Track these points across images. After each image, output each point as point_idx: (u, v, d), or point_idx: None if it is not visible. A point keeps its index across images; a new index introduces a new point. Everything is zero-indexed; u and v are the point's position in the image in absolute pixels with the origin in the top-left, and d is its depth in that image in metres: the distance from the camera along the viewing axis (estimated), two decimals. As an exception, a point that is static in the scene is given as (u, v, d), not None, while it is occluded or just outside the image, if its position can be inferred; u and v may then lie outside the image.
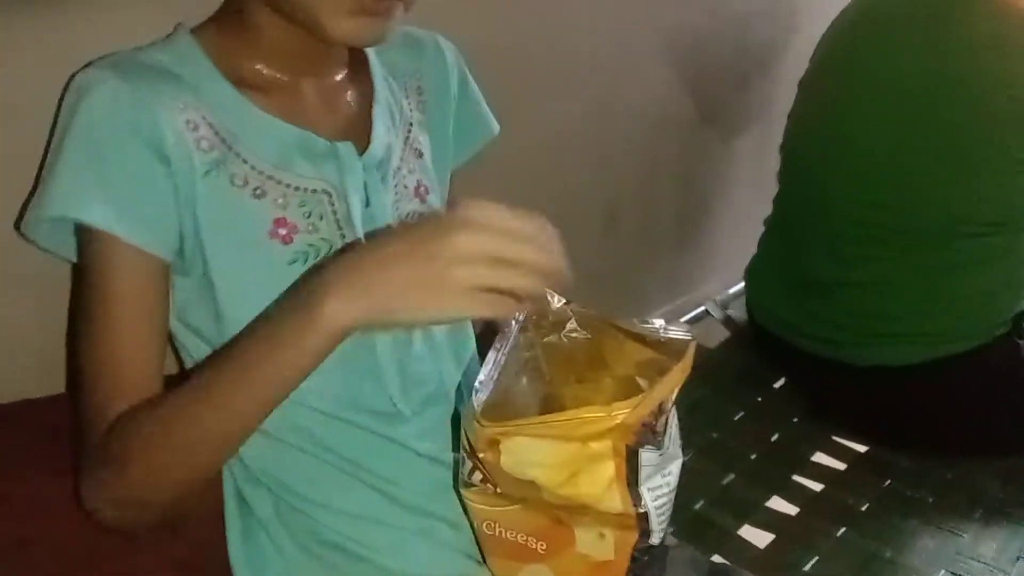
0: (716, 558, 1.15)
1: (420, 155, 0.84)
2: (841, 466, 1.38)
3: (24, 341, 0.83)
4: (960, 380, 1.34)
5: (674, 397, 0.64)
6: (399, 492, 0.74)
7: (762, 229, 1.58)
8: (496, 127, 0.95)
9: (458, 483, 0.67)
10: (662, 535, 0.65)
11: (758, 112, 1.88)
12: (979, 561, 1.17)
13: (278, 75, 0.74)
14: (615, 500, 0.62)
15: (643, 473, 0.62)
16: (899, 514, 1.27)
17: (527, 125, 1.30)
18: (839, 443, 1.42)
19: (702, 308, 1.84)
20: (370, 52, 0.81)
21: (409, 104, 0.84)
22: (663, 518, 0.65)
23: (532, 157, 1.38)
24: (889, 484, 1.34)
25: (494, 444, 0.61)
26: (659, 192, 1.77)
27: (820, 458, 1.40)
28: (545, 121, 1.41)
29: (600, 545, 0.65)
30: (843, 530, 1.24)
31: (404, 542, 0.74)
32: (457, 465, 0.67)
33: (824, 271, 1.41)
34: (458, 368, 0.81)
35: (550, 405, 0.63)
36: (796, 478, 1.35)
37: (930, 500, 1.30)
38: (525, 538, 0.66)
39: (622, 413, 0.60)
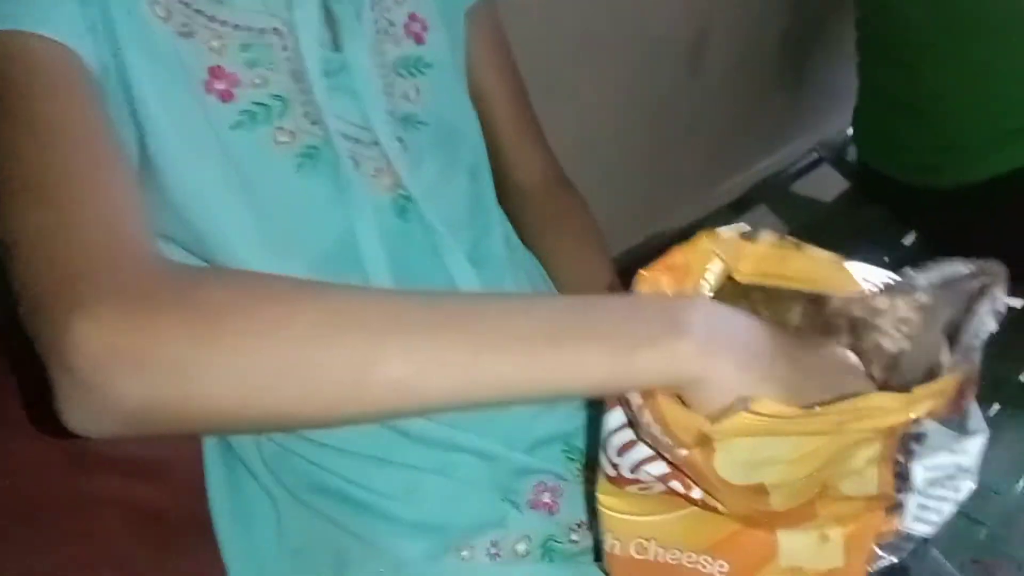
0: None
1: None
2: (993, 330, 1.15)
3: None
4: None
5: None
6: (410, 423, 0.57)
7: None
8: None
9: (595, 484, 0.48)
10: (931, 529, 0.45)
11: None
12: None
13: None
14: (868, 482, 0.43)
15: (921, 450, 0.42)
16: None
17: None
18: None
19: (812, 155, 1.59)
20: None
21: None
22: (937, 507, 0.44)
23: None
24: None
25: (704, 441, 0.41)
26: (757, 22, 1.50)
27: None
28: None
29: (820, 552, 0.45)
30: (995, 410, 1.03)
31: (417, 484, 0.57)
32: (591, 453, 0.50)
33: (919, 87, 1.21)
34: (475, 264, 0.61)
35: None
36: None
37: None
38: (694, 558, 0.47)
39: (924, 405, 0.40)
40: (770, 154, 1.60)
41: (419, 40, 0.63)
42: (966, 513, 0.90)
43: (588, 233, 0.75)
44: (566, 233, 0.75)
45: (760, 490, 0.42)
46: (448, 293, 0.52)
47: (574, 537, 0.59)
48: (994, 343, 1.20)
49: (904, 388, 0.41)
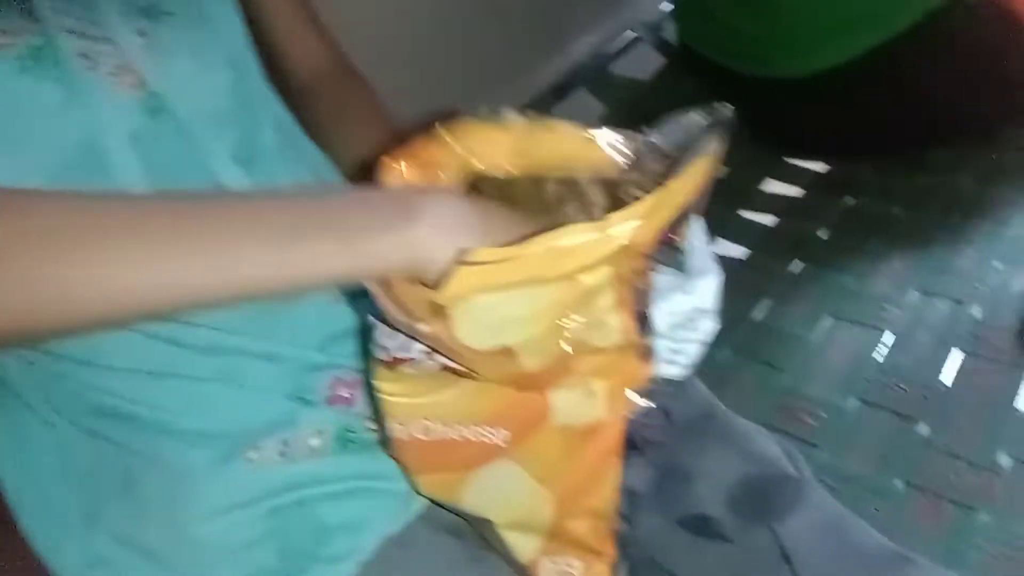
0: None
1: None
2: (797, 192, 1.21)
3: None
4: (915, 61, 1.12)
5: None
6: (185, 332, 0.55)
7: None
8: None
9: (369, 372, 0.48)
10: (683, 371, 0.48)
11: None
12: (955, 275, 1.02)
13: None
14: (613, 331, 0.44)
15: (655, 295, 0.45)
16: (863, 236, 1.11)
17: None
18: (793, 166, 1.24)
19: (632, 34, 1.59)
20: None
21: None
22: (683, 348, 0.47)
23: None
24: (852, 204, 1.17)
25: (439, 312, 0.41)
26: None
27: (773, 187, 1.23)
28: None
29: (586, 405, 0.47)
30: (800, 265, 1.09)
31: (200, 394, 0.55)
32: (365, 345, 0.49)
33: None
34: (242, 162, 0.58)
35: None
36: (744, 214, 1.18)
37: (897, 213, 1.13)
38: (477, 431, 0.48)
39: (624, 228, 0.40)
40: (586, 35, 1.59)
41: None
42: (768, 361, 0.96)
43: (376, 121, 0.73)
44: (352, 122, 0.72)
45: (507, 352, 0.43)
46: (199, 194, 0.50)
47: (372, 427, 0.59)
48: (797, 204, 1.26)
49: None
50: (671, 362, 0.47)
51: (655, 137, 0.47)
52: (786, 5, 1.16)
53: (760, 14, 1.19)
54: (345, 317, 0.60)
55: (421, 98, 1.28)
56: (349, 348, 0.60)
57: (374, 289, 0.43)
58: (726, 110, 0.45)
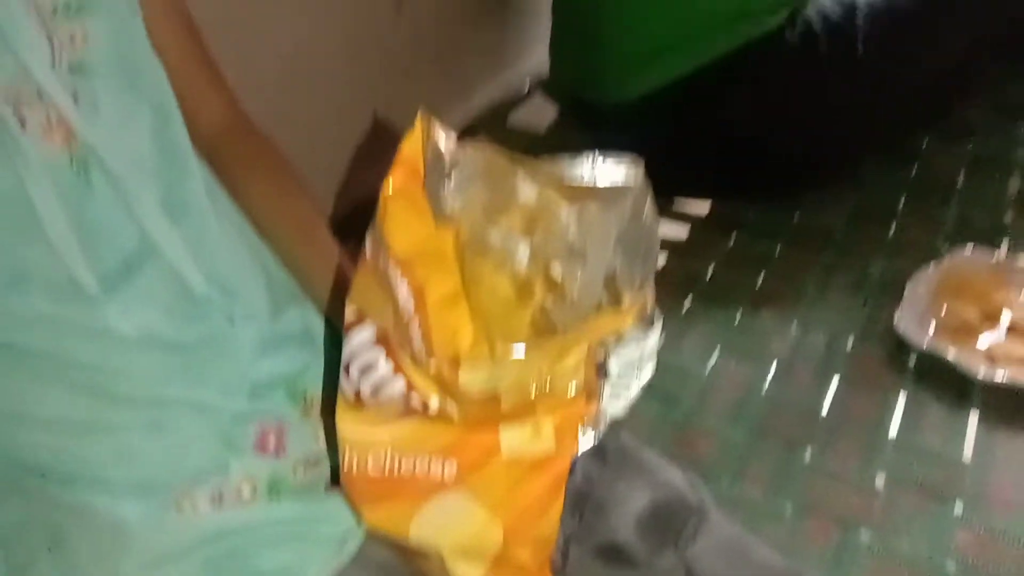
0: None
1: None
2: (685, 232, 1.29)
3: None
4: (736, 95, 1.21)
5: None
6: (112, 384, 0.56)
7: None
8: None
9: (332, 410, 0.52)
10: (620, 410, 0.52)
11: None
12: (830, 309, 1.12)
13: None
14: (579, 379, 0.50)
15: (617, 347, 0.50)
16: (748, 273, 1.19)
17: None
18: (681, 208, 1.32)
19: (529, 85, 1.67)
20: None
21: None
22: (624, 394, 0.52)
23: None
24: (734, 243, 1.26)
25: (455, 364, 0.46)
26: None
27: (664, 228, 1.31)
28: None
29: (535, 441, 0.51)
30: (691, 302, 1.16)
31: (129, 445, 0.56)
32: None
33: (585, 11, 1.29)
34: (170, 214, 0.60)
35: None
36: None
37: (779, 250, 1.23)
38: (431, 463, 0.51)
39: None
40: (485, 86, 1.65)
41: None
42: (665, 395, 1.02)
43: (280, 172, 0.74)
44: (258, 175, 0.73)
45: (495, 399, 0.46)
46: None
47: (302, 473, 0.61)
48: (684, 244, 1.34)
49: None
50: (612, 401, 0.51)
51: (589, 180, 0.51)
52: (607, 33, 1.26)
53: (590, 45, 1.29)
54: (272, 366, 0.62)
55: (330, 147, 1.30)
56: (278, 396, 0.62)
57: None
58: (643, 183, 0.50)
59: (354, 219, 0.54)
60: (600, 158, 0.52)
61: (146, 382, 0.57)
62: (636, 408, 1.01)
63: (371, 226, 0.50)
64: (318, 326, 0.67)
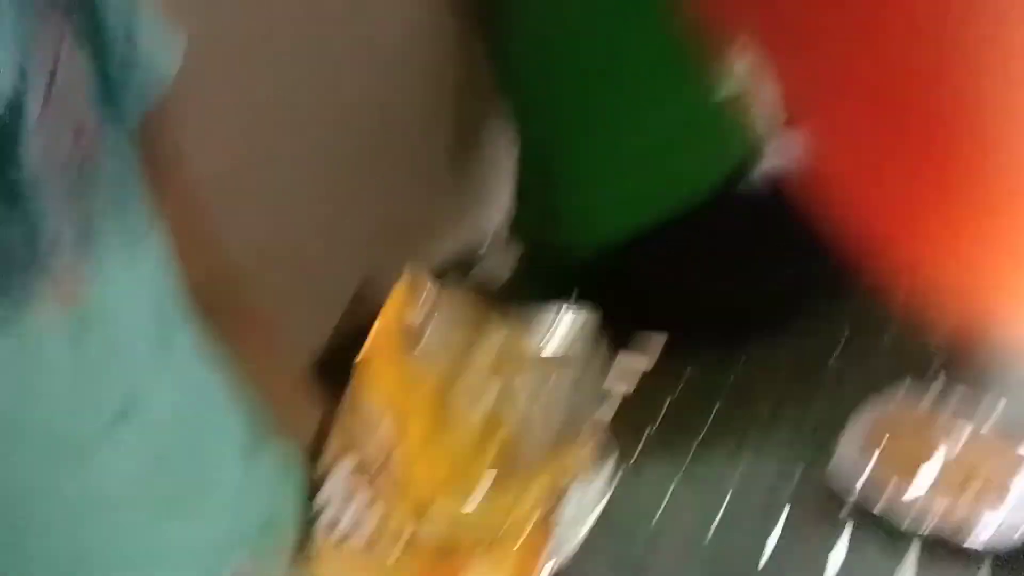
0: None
1: None
2: (635, 378, 1.34)
3: None
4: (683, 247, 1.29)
5: None
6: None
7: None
8: None
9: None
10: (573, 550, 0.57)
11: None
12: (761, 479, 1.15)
13: None
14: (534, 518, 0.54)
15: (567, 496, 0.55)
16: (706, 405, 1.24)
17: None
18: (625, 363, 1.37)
19: (491, 236, 1.75)
20: None
21: None
22: (569, 539, 0.57)
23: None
24: (674, 400, 1.29)
25: (422, 509, 0.51)
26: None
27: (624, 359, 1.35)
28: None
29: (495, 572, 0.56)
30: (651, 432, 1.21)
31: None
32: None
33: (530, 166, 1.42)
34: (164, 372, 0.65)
35: None
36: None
37: (734, 382, 1.27)
38: None
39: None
40: (451, 239, 1.73)
41: None
42: (620, 532, 1.02)
43: (253, 325, 0.80)
44: (234, 327, 0.76)
45: (452, 550, 0.51)
46: None
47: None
48: (631, 397, 1.37)
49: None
50: (564, 543, 0.56)
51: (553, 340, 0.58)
52: (567, 180, 1.36)
53: (545, 206, 1.40)
54: (249, 506, 0.67)
55: (293, 301, 1.34)
56: (254, 536, 0.65)
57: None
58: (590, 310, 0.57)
59: (339, 358, 0.59)
60: (558, 308, 0.58)
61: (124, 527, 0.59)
62: (589, 542, 1.04)
63: (354, 371, 0.56)
64: (295, 464, 0.71)
